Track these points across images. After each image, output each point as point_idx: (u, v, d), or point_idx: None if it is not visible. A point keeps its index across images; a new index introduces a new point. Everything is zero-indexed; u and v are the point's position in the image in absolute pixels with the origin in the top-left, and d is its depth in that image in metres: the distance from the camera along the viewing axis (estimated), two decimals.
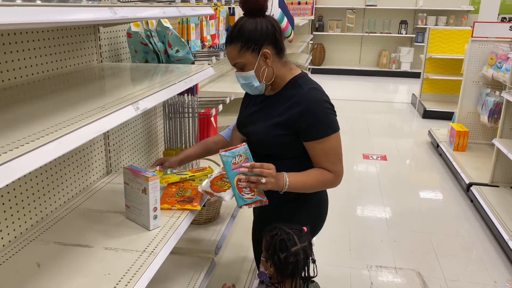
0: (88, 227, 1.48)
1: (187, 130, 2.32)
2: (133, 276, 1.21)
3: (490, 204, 3.38)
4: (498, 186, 3.71)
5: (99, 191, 1.79)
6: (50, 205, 1.59)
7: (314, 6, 8.40)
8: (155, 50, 1.97)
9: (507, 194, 3.57)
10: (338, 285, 2.67)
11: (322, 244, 3.12)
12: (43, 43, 1.54)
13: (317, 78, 9.36)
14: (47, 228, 1.47)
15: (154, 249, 1.34)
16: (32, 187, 1.49)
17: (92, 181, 1.86)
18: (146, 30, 1.96)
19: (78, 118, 0.98)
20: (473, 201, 3.72)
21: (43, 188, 1.54)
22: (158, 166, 1.76)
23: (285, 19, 3.71)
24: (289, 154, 1.63)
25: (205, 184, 1.64)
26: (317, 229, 1.83)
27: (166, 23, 1.94)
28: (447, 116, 5.95)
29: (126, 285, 1.17)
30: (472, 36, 4.59)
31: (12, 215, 1.40)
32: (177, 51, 1.96)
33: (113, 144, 2.00)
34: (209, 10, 1.76)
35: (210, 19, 2.46)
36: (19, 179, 1.42)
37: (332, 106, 1.60)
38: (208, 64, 2.12)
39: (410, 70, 9.71)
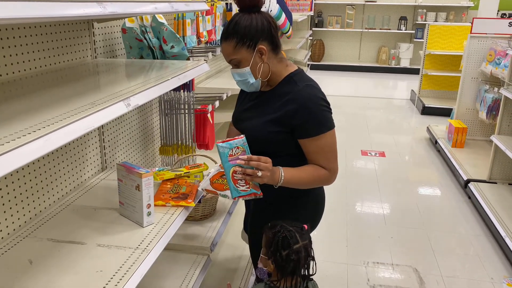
0: (82, 223, 1.48)
1: (183, 127, 2.32)
2: (125, 273, 1.21)
3: (487, 201, 3.38)
4: (495, 183, 3.70)
5: (93, 187, 1.78)
6: (44, 201, 1.58)
7: (313, 2, 8.37)
8: (150, 46, 1.95)
9: (504, 191, 3.57)
10: (334, 281, 2.67)
11: (319, 240, 3.12)
12: (36, 39, 1.52)
13: (316, 74, 9.34)
14: (41, 225, 1.47)
15: (147, 246, 1.34)
16: (25, 183, 1.48)
17: (86, 177, 1.85)
18: (141, 26, 1.95)
19: (68, 114, 0.97)
20: (470, 197, 3.71)
21: (36, 184, 1.54)
22: None
23: (283, 15, 3.69)
24: (284, 151, 1.62)
25: (203, 183, 1.63)
26: (314, 225, 1.82)
27: (161, 19, 1.93)
28: (446, 113, 5.95)
29: (118, 282, 1.17)
30: (471, 32, 4.57)
31: (5, 212, 1.39)
32: (172, 47, 1.94)
33: (108, 141, 1.99)
34: (204, 6, 1.75)
35: (206, 15, 2.44)
36: (11, 175, 1.41)
37: (328, 103, 1.59)
38: (204, 60, 2.11)
39: (410, 66, 9.69)
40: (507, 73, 3.60)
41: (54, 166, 1.63)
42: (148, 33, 1.95)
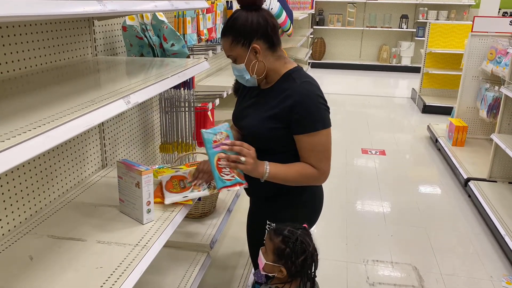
0: (82, 220, 1.48)
1: (184, 124, 2.32)
2: (125, 270, 1.21)
3: (487, 199, 3.38)
4: (496, 182, 3.70)
5: (94, 184, 1.79)
6: (45, 198, 1.59)
7: (314, 0, 8.36)
8: (150, 44, 1.96)
9: (504, 190, 3.57)
10: (334, 279, 2.68)
11: (319, 238, 3.11)
12: (36, 37, 1.53)
13: (317, 73, 9.35)
14: (41, 222, 1.48)
15: (147, 243, 1.35)
16: (26, 180, 1.49)
17: (87, 174, 1.86)
18: (141, 24, 1.95)
19: (68, 112, 0.98)
20: (470, 196, 3.72)
21: (37, 181, 1.54)
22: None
23: (284, 13, 3.69)
24: (282, 148, 1.62)
25: (168, 198, 1.58)
26: (312, 223, 1.83)
27: (161, 17, 1.93)
28: (446, 111, 5.94)
29: (118, 278, 1.18)
30: (472, 31, 4.57)
31: (5, 209, 1.40)
32: (172, 45, 1.95)
33: (109, 138, 2.00)
34: (204, 4, 1.75)
35: (206, 13, 2.45)
36: (12, 172, 1.42)
37: (325, 101, 1.58)
38: (205, 58, 2.11)
39: (411, 65, 9.68)
40: (508, 72, 3.60)
41: (55, 164, 1.64)
42: (149, 31, 1.95)
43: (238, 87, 1.77)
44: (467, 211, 3.58)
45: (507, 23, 4.42)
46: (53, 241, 1.35)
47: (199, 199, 2.15)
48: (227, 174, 1.51)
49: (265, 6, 3.42)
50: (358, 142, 5.18)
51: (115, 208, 1.56)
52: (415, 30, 9.81)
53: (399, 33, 10.05)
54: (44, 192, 1.58)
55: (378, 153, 4.86)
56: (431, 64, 6.56)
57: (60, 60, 1.67)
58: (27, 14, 0.70)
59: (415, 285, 2.64)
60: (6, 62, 1.41)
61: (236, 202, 2.58)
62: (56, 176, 1.65)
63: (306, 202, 1.75)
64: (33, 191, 1.53)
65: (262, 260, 1.54)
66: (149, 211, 1.46)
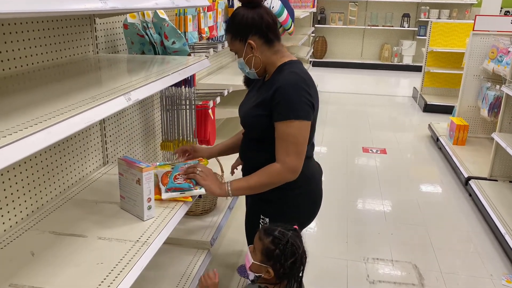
0: (83, 217, 1.49)
1: (185, 122, 2.33)
2: (125, 266, 1.22)
3: (488, 198, 3.38)
4: (496, 180, 3.71)
5: (95, 181, 1.80)
6: (46, 195, 1.60)
7: None
8: (151, 42, 1.97)
9: (505, 188, 3.57)
10: (334, 277, 2.69)
11: (319, 236, 3.14)
12: (38, 34, 1.54)
13: (318, 71, 9.31)
14: (43, 218, 1.49)
15: (147, 239, 1.36)
16: (28, 177, 1.50)
17: (88, 171, 1.87)
18: (142, 22, 1.96)
19: (69, 108, 0.98)
20: (471, 195, 3.72)
21: (39, 178, 1.55)
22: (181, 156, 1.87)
23: (285, 12, 3.69)
24: (269, 137, 1.63)
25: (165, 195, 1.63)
26: (311, 219, 1.84)
27: (163, 15, 1.94)
28: (448, 110, 5.93)
29: (119, 274, 1.19)
30: (473, 30, 4.56)
31: (7, 205, 1.41)
32: (173, 42, 1.95)
33: (110, 135, 2.01)
34: (204, 2, 1.76)
35: (207, 11, 2.45)
36: (14, 168, 1.43)
37: (309, 95, 1.57)
38: (206, 56, 2.12)
39: (412, 64, 9.67)
40: (509, 71, 3.59)
41: (56, 160, 1.65)
42: (150, 29, 1.96)
43: (248, 80, 1.85)
44: (468, 210, 3.58)
45: (509, 22, 4.41)
46: (55, 237, 1.36)
47: (200, 196, 2.15)
48: (180, 180, 1.61)
49: (266, 4, 3.43)
50: (359, 141, 5.19)
51: (116, 204, 1.58)
52: (416, 29, 9.80)
53: (400, 32, 10.04)
54: (45, 188, 1.59)
55: (379, 152, 4.86)
56: (432, 63, 6.55)
57: (61, 57, 1.67)
58: (27, 11, 0.71)
59: (415, 283, 2.65)
60: (8, 59, 1.42)
61: (237, 201, 2.59)
62: (58, 173, 1.66)
63: (305, 199, 1.75)
64: (34, 188, 1.54)
65: (249, 259, 1.51)
66: (149, 207, 1.47)
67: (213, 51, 2.43)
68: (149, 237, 1.37)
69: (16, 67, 1.45)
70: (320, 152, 4.79)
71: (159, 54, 2.01)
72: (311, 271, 2.71)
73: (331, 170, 4.25)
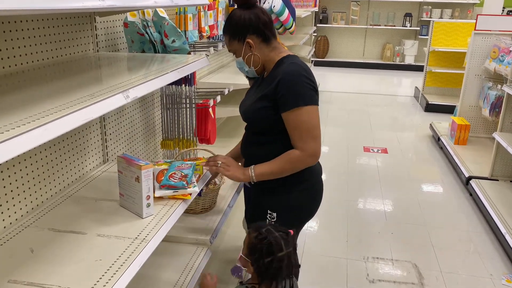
0: (82, 214, 1.50)
1: (185, 121, 2.34)
2: (124, 262, 1.23)
3: (488, 198, 3.38)
4: (497, 180, 3.70)
5: (95, 179, 1.81)
6: (46, 192, 1.61)
7: None
8: (151, 40, 1.97)
9: (506, 188, 3.57)
10: (334, 276, 2.69)
11: (320, 234, 3.14)
12: (38, 32, 1.55)
13: (320, 71, 9.28)
14: (42, 215, 1.50)
15: (146, 236, 1.36)
16: (28, 174, 1.51)
17: (88, 169, 1.88)
18: (142, 20, 1.96)
19: (67, 105, 0.99)
20: (472, 194, 3.72)
21: (39, 175, 1.56)
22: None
23: (286, 11, 3.69)
24: (274, 130, 1.69)
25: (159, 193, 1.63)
26: (312, 214, 1.86)
27: (163, 13, 1.95)
28: (449, 110, 5.92)
29: (117, 271, 1.19)
30: (475, 29, 4.55)
31: (7, 202, 1.42)
32: (173, 41, 1.96)
33: (110, 133, 2.01)
34: (204, 0, 1.77)
35: (208, 10, 2.45)
36: (14, 166, 1.44)
37: (312, 81, 1.64)
38: (206, 54, 2.13)
39: (414, 63, 9.65)
40: (510, 70, 3.58)
41: (56, 158, 1.65)
42: (150, 27, 1.97)
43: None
44: (468, 210, 3.58)
45: (511, 22, 4.40)
46: (54, 234, 1.37)
47: (199, 194, 2.16)
48: (176, 179, 1.61)
49: (268, 3, 3.44)
50: (360, 140, 5.18)
51: (116, 202, 1.58)
52: (419, 28, 9.78)
53: (402, 31, 10.03)
54: (45, 186, 1.60)
55: (380, 151, 4.86)
56: (434, 62, 6.54)
57: (61, 55, 1.68)
58: (27, 8, 0.72)
59: (415, 282, 2.65)
60: (8, 57, 1.42)
61: (237, 199, 2.60)
62: (58, 171, 1.67)
63: (307, 192, 1.80)
64: (34, 185, 1.54)
65: (240, 253, 1.56)
66: (148, 205, 1.47)
67: (214, 49, 2.43)
68: (147, 234, 1.37)
69: (16, 65, 1.46)
70: (321, 151, 4.79)
71: (159, 53, 2.02)
72: (311, 270, 2.72)
73: (332, 169, 4.25)
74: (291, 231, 1.53)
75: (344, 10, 10.06)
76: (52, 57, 1.63)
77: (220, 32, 2.74)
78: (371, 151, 4.87)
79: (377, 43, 10.26)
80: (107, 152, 2.00)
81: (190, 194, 1.62)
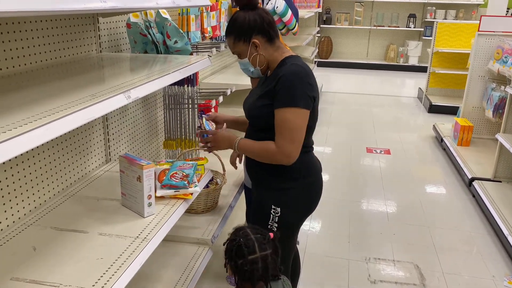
0: (85, 213, 1.52)
1: (187, 121, 2.35)
2: (125, 261, 1.24)
3: (491, 199, 3.37)
4: (500, 182, 3.69)
5: (97, 178, 1.82)
6: (49, 191, 1.62)
7: None
8: (153, 41, 1.99)
9: (509, 190, 3.56)
10: (335, 276, 2.69)
11: (321, 235, 3.15)
12: (42, 33, 1.56)
13: (323, 71, 9.26)
14: (45, 214, 1.51)
15: (147, 235, 1.37)
16: (30, 173, 1.52)
17: (91, 169, 1.90)
18: (145, 21, 1.98)
19: (69, 105, 1.00)
20: (474, 196, 3.71)
21: (41, 175, 1.58)
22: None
23: (289, 12, 3.70)
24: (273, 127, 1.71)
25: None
26: (310, 210, 1.90)
27: (165, 14, 1.96)
28: (453, 111, 5.91)
29: (118, 269, 1.21)
30: (478, 30, 4.54)
31: (10, 201, 1.44)
32: (176, 42, 1.97)
33: (113, 133, 2.03)
34: (205, 1, 1.78)
35: (210, 11, 2.47)
36: (17, 165, 1.46)
37: (310, 85, 1.66)
38: (208, 55, 2.14)
39: (418, 64, 9.63)
40: None
41: (59, 157, 1.67)
42: (152, 28, 1.98)
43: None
44: (471, 211, 3.57)
45: None
46: (56, 233, 1.38)
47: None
48: (177, 179, 1.63)
49: (270, 4, 3.45)
50: (363, 141, 5.18)
51: (117, 201, 1.60)
52: (422, 29, 9.76)
53: (406, 32, 10.01)
54: (48, 185, 1.62)
55: (383, 152, 4.85)
56: (438, 63, 6.52)
57: (64, 56, 1.70)
58: (29, 10, 0.73)
59: (416, 283, 2.65)
60: (12, 58, 1.44)
61: (239, 199, 2.61)
62: (61, 170, 1.69)
63: (306, 189, 1.83)
64: (37, 184, 1.56)
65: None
66: (150, 204, 1.49)
67: (216, 50, 2.44)
68: (149, 233, 1.39)
69: (19, 65, 1.48)
70: (324, 152, 4.79)
71: (161, 53, 2.03)
72: (313, 270, 2.73)
73: (335, 170, 4.25)
74: (271, 234, 1.47)
75: (348, 11, 10.06)
76: (55, 58, 1.65)
77: (223, 33, 2.75)
78: (374, 152, 4.87)
79: (380, 44, 10.25)
80: (109, 152, 2.01)
81: (192, 193, 1.63)
